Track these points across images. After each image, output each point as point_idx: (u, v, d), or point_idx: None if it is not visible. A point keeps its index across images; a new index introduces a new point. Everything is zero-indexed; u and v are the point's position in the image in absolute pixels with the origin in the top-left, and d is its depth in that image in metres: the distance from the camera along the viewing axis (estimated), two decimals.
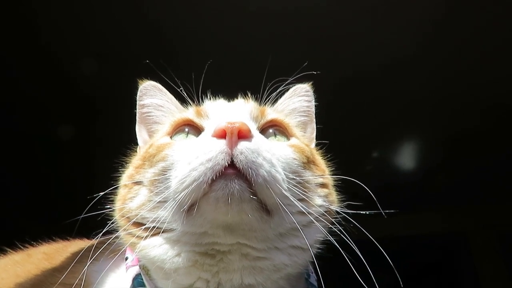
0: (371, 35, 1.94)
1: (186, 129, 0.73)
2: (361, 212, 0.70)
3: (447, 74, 2.18)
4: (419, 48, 2.00)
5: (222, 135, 0.60)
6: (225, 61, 1.67)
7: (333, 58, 1.95)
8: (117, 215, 0.71)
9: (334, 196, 0.74)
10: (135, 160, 0.76)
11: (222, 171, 0.58)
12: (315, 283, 0.76)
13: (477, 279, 3.02)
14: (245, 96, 0.78)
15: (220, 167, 0.58)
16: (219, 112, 0.73)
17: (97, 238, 0.82)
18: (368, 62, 2.06)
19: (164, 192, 0.64)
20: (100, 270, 0.73)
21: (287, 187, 0.63)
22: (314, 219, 0.66)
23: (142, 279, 0.70)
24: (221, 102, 0.77)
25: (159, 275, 0.65)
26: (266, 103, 0.80)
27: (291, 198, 0.62)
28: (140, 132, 0.84)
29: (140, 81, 0.84)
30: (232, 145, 0.59)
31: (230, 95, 0.81)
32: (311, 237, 0.67)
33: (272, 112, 0.77)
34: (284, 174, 0.64)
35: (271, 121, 0.74)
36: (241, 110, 0.73)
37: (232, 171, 0.58)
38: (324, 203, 0.70)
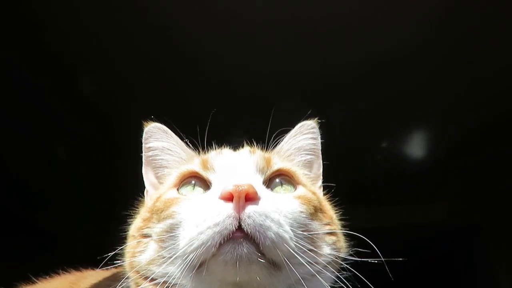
0: (377, 23, 1.90)
1: (193, 182, 0.73)
2: (369, 260, 0.70)
3: (457, 61, 2.13)
4: (429, 34, 1.96)
5: (229, 198, 0.60)
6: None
7: (339, 48, 1.94)
8: (127, 267, 0.72)
9: (342, 242, 0.75)
10: (143, 212, 0.76)
11: (230, 236, 0.59)
12: None
13: (490, 269, 3.02)
14: (251, 144, 0.78)
15: (228, 232, 0.59)
16: (225, 165, 0.73)
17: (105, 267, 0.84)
18: (375, 50, 2.03)
19: (173, 249, 0.65)
20: None
21: (295, 241, 0.63)
22: (322, 267, 0.67)
23: None
24: (226, 153, 0.77)
25: None
26: (272, 144, 0.80)
27: (299, 256, 0.62)
28: (147, 175, 0.84)
29: (145, 123, 0.84)
30: (239, 210, 0.60)
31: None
32: (321, 284, 0.67)
33: (278, 161, 0.77)
34: (292, 230, 0.64)
35: (278, 170, 0.74)
36: (246, 163, 0.73)
37: (240, 234, 0.59)
38: (332, 252, 0.71)
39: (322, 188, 0.86)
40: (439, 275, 3.40)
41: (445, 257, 3.42)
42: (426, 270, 3.45)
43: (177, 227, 0.66)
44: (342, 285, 0.67)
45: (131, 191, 0.86)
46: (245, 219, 0.59)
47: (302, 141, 0.85)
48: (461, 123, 2.60)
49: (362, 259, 0.70)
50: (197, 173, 0.73)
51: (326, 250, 0.70)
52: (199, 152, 0.82)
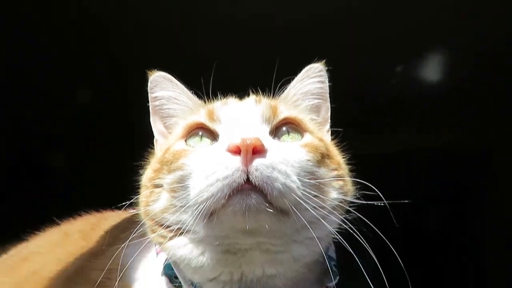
0: None
1: (200, 133, 0.74)
2: (376, 203, 0.72)
3: None
4: None
5: (236, 151, 0.62)
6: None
7: None
8: (142, 215, 0.75)
9: (349, 185, 0.76)
10: (154, 163, 0.78)
11: (238, 188, 0.61)
12: (334, 255, 0.80)
13: (503, 197, 3.05)
14: (256, 93, 0.77)
15: (236, 184, 0.61)
16: (231, 117, 0.73)
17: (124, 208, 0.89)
18: None
19: (184, 198, 0.67)
20: (132, 253, 0.78)
21: (302, 190, 0.65)
22: (328, 211, 0.69)
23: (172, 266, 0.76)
24: (232, 104, 0.77)
25: (187, 270, 0.71)
26: (278, 91, 0.79)
27: (306, 204, 0.64)
28: (155, 124, 0.85)
29: (149, 72, 0.84)
30: (247, 163, 0.61)
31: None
32: (327, 228, 0.70)
33: (284, 109, 0.76)
34: (299, 179, 0.65)
35: (284, 119, 0.75)
36: (252, 114, 0.73)
37: (248, 186, 0.61)
38: (339, 196, 0.73)
39: (330, 132, 0.86)
40: (452, 199, 3.45)
41: (459, 181, 3.45)
42: (439, 194, 3.50)
43: (187, 179, 0.68)
44: (348, 228, 0.69)
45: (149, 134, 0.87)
46: (252, 171, 0.61)
47: (309, 85, 0.84)
48: (477, 48, 2.51)
49: (368, 202, 0.72)
50: (203, 124, 0.74)
51: (333, 194, 0.72)
52: (205, 101, 0.82)
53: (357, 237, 0.68)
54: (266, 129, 0.72)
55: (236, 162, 0.61)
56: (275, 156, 0.64)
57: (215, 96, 0.80)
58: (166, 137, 0.84)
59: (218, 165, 0.62)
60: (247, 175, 0.61)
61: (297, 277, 0.72)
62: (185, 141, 0.75)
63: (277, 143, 0.71)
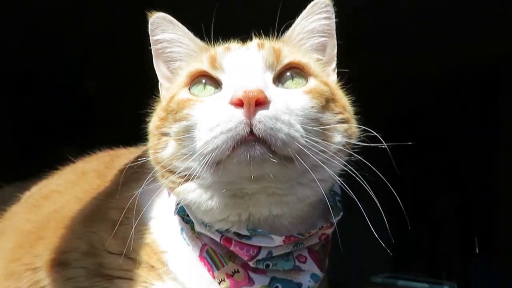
0: None
1: (203, 80, 0.74)
2: (379, 145, 0.73)
3: None
4: None
5: (239, 104, 0.62)
6: None
7: None
8: (152, 161, 0.78)
9: (353, 128, 0.77)
10: (159, 110, 0.79)
11: (242, 140, 0.62)
12: (339, 190, 0.84)
13: None
14: (259, 36, 0.75)
15: (240, 137, 0.62)
16: (233, 65, 0.72)
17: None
18: None
19: (191, 147, 0.69)
20: (146, 193, 0.82)
21: (306, 137, 0.66)
22: (332, 155, 0.71)
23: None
24: (234, 50, 0.75)
25: (198, 212, 0.75)
26: (283, 31, 0.77)
27: (310, 151, 0.66)
28: (158, 67, 0.85)
29: (149, 14, 0.81)
30: (250, 115, 0.62)
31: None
32: (331, 170, 0.72)
33: (288, 53, 0.75)
34: (302, 126, 0.66)
35: (288, 64, 0.74)
36: (255, 61, 0.72)
37: (252, 137, 0.62)
38: (343, 139, 0.74)
39: (336, 71, 0.85)
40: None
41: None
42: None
43: (193, 129, 0.69)
44: (350, 171, 0.71)
45: None
46: (256, 124, 0.62)
47: (315, 23, 0.81)
48: None
49: (372, 145, 0.73)
50: (206, 72, 0.74)
51: (337, 138, 0.73)
52: (207, 43, 0.81)
53: (359, 179, 0.71)
54: (270, 76, 0.72)
55: (239, 115, 0.62)
56: (278, 106, 0.64)
57: (216, 40, 0.78)
58: (170, 81, 0.84)
59: (221, 117, 0.63)
60: (250, 127, 0.62)
61: (302, 215, 0.76)
62: (189, 89, 0.75)
63: (280, 91, 0.71)
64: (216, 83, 0.73)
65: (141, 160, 0.82)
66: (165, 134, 0.74)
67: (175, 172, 0.73)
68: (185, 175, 0.72)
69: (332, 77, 0.84)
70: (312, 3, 0.81)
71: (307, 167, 0.67)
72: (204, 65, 0.74)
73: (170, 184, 0.75)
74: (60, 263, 0.80)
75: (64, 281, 0.79)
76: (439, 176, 3.38)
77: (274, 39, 0.79)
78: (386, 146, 0.72)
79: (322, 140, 0.69)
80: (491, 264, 3.24)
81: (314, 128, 0.68)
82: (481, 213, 3.26)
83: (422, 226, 3.43)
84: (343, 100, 0.79)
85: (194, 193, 0.72)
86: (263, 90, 0.63)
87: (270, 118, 0.62)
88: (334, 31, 0.83)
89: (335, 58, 0.85)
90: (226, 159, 0.65)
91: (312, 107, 0.69)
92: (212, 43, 0.80)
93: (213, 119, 0.65)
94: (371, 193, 0.69)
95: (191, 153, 0.69)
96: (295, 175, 0.69)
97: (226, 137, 0.62)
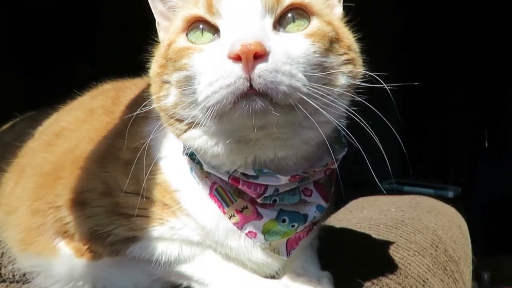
0: None
1: (201, 26, 0.71)
2: (384, 86, 0.72)
3: None
4: None
5: (237, 58, 0.61)
6: None
7: None
8: (156, 108, 0.78)
9: (358, 66, 0.75)
10: (158, 57, 0.77)
11: (243, 94, 0.62)
12: (344, 126, 0.84)
13: None
14: None
15: (240, 91, 0.62)
16: (230, 10, 0.69)
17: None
18: None
19: (193, 96, 0.69)
20: (153, 130, 0.83)
21: (309, 85, 0.66)
22: (335, 97, 0.71)
23: None
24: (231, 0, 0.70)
25: (205, 157, 0.77)
26: None
27: (313, 98, 0.66)
28: (154, 4, 0.81)
29: None
30: (249, 70, 0.61)
31: None
32: (335, 112, 0.73)
33: None
34: (305, 74, 0.65)
35: (289, 6, 0.70)
36: (253, 5, 0.68)
37: (253, 91, 0.62)
38: (347, 81, 0.73)
39: (342, 1, 0.80)
40: None
41: None
42: None
43: (193, 80, 0.68)
44: (353, 111, 0.71)
45: None
46: (255, 78, 0.61)
47: None
48: None
49: (376, 86, 0.72)
50: (202, 18, 0.71)
51: (341, 80, 0.72)
52: None
53: (362, 124, 0.71)
54: (269, 20, 0.69)
55: (238, 69, 0.61)
56: (278, 57, 0.63)
57: None
58: (168, 19, 0.81)
59: (220, 72, 0.63)
60: (250, 82, 0.61)
61: (307, 155, 0.78)
62: (187, 35, 0.72)
63: (280, 38, 0.68)
64: (214, 29, 0.71)
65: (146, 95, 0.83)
66: (166, 82, 0.74)
67: (179, 119, 0.74)
68: (189, 122, 0.72)
69: (337, 9, 0.80)
70: None
71: (309, 113, 0.67)
72: (200, 10, 0.71)
73: (175, 131, 0.76)
74: (79, 202, 0.85)
75: (84, 219, 0.84)
76: (452, 69, 3.34)
77: None
78: (388, 88, 0.70)
79: (325, 84, 0.68)
80: (500, 161, 3.32)
81: (316, 74, 0.67)
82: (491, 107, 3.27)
83: (433, 122, 3.47)
84: (348, 39, 0.75)
85: (199, 139, 0.73)
86: (262, 42, 0.61)
87: (269, 72, 0.61)
88: None
89: None
90: (228, 112, 0.65)
91: (314, 52, 0.67)
92: None
93: (212, 74, 0.64)
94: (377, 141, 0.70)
95: (193, 103, 0.69)
96: (298, 120, 0.70)
97: (226, 92, 0.62)
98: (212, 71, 0.64)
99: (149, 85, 0.94)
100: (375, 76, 0.73)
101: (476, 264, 2.78)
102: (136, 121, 0.88)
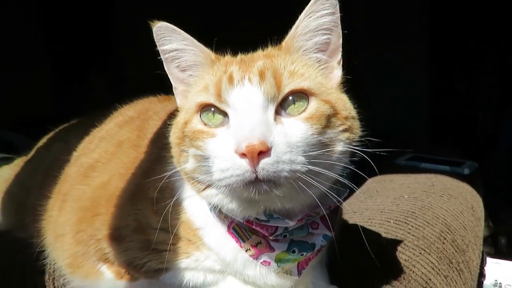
0: None
1: (212, 109, 0.81)
2: (379, 151, 0.79)
3: None
4: None
5: (244, 155, 0.71)
6: None
7: None
8: (177, 167, 0.88)
9: (355, 131, 0.83)
10: (176, 129, 0.87)
11: (250, 182, 0.73)
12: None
13: None
14: (261, 77, 0.78)
15: (248, 180, 0.73)
16: (237, 102, 0.78)
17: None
18: None
19: (208, 170, 0.79)
20: (178, 173, 0.93)
21: (308, 162, 0.75)
22: (334, 161, 0.80)
23: None
24: (237, 88, 0.79)
25: (222, 209, 0.88)
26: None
27: (312, 172, 0.75)
28: (171, 72, 0.89)
29: (151, 24, 0.83)
30: (254, 165, 0.71)
31: None
32: (334, 170, 0.82)
33: (288, 81, 0.79)
34: (304, 155, 0.75)
35: (289, 93, 0.78)
36: (257, 99, 0.77)
37: (258, 180, 0.73)
38: (344, 148, 0.81)
39: (341, 62, 0.86)
40: None
41: None
42: None
43: (207, 158, 0.78)
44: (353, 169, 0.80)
45: None
46: (260, 171, 0.71)
47: (317, 20, 0.82)
48: None
49: (371, 150, 0.79)
50: (213, 105, 0.80)
51: (339, 148, 0.81)
52: (212, 50, 0.86)
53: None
54: (272, 109, 0.77)
55: (245, 164, 0.71)
56: (279, 149, 0.72)
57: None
58: (184, 84, 0.90)
59: (230, 164, 0.73)
60: (255, 174, 0.72)
61: (311, 203, 0.87)
62: (200, 115, 0.81)
63: (282, 127, 0.76)
64: (224, 113, 0.80)
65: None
66: (185, 151, 0.83)
67: (198, 181, 0.84)
68: (207, 184, 0.82)
69: (337, 72, 0.86)
70: (313, 1, 0.79)
71: (309, 180, 0.76)
72: (211, 98, 0.80)
73: (195, 189, 0.86)
74: (115, 238, 0.99)
75: (121, 252, 0.98)
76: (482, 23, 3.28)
77: (277, 47, 0.81)
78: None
79: (323, 155, 0.77)
80: None
81: (314, 152, 0.76)
82: None
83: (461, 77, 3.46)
84: (345, 109, 0.83)
85: (216, 197, 0.84)
86: (265, 141, 0.71)
87: (271, 164, 0.71)
88: (339, 24, 0.82)
89: (340, 49, 0.85)
90: (238, 191, 0.76)
91: (312, 134, 0.76)
92: (216, 51, 0.86)
93: (224, 163, 0.74)
94: None
95: (209, 171, 0.79)
96: (300, 187, 0.78)
97: (236, 180, 0.73)
98: (224, 160, 0.75)
99: (169, 116, 1.04)
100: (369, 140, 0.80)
101: (494, 230, 2.87)
102: (161, 160, 0.99)
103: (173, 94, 0.94)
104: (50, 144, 1.44)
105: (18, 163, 1.53)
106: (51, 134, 1.54)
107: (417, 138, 3.53)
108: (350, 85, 0.89)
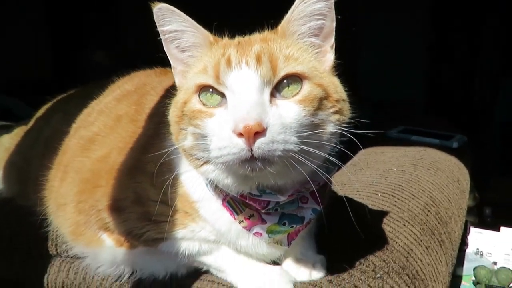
0: None
1: (210, 90, 0.85)
2: (366, 132, 0.84)
3: None
4: None
5: (241, 135, 0.75)
6: None
7: None
8: (175, 143, 0.92)
9: (345, 113, 0.88)
10: (175, 108, 0.90)
11: (246, 160, 0.78)
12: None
13: None
14: (258, 61, 0.82)
15: (243, 158, 0.78)
16: (235, 84, 0.82)
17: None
18: None
19: (206, 147, 0.84)
20: (176, 150, 0.97)
21: (301, 142, 0.80)
22: (325, 141, 0.85)
23: None
24: (235, 71, 0.82)
25: (218, 184, 0.93)
26: None
27: (304, 151, 0.80)
28: (170, 52, 0.92)
29: (152, 4, 0.85)
30: (250, 144, 0.76)
31: None
32: (325, 149, 0.87)
33: (284, 66, 0.82)
34: (297, 135, 0.79)
35: (284, 76, 0.82)
36: (254, 82, 0.81)
37: (254, 158, 0.78)
38: (335, 129, 0.86)
39: (334, 46, 0.89)
40: None
41: None
42: None
43: (205, 136, 0.83)
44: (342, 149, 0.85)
45: None
46: (255, 150, 0.76)
47: (312, 6, 0.84)
48: None
49: (362, 131, 0.84)
50: (212, 86, 0.84)
51: (329, 128, 0.85)
52: (211, 32, 0.89)
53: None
54: (267, 92, 0.81)
55: (241, 143, 0.76)
56: (274, 129, 0.76)
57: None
58: (183, 64, 0.93)
59: (227, 142, 0.77)
60: (251, 152, 0.76)
61: (302, 180, 0.92)
62: (199, 96, 0.85)
63: (276, 109, 0.81)
64: (222, 94, 0.84)
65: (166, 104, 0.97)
66: (183, 129, 0.88)
67: (196, 157, 0.88)
68: (206, 160, 0.87)
69: (329, 55, 0.90)
70: None
71: (301, 158, 0.81)
72: (209, 79, 0.83)
73: (193, 165, 0.91)
74: (115, 209, 1.04)
75: (121, 222, 1.04)
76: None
77: (272, 32, 0.87)
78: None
79: (314, 136, 0.82)
80: None
81: (306, 132, 0.81)
82: None
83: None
84: (336, 92, 0.87)
85: (213, 173, 0.89)
86: (261, 121, 0.75)
87: (267, 144, 0.76)
88: (333, 9, 0.85)
89: (333, 33, 0.88)
90: (234, 168, 0.81)
91: (305, 115, 0.81)
92: (215, 33, 0.90)
93: (221, 141, 0.79)
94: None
95: (206, 149, 0.84)
96: (291, 165, 0.83)
97: (233, 158, 0.78)
98: (221, 139, 0.79)
99: (166, 90, 1.08)
100: (358, 121, 0.84)
101: (479, 200, 2.97)
102: (159, 135, 1.04)
103: (169, 67, 0.97)
104: (50, 115, 1.47)
105: (18, 132, 1.57)
106: (50, 105, 1.57)
107: (413, 106, 3.57)
108: (342, 68, 0.93)
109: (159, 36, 0.90)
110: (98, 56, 3.57)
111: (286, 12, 0.87)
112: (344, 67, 0.93)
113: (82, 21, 3.47)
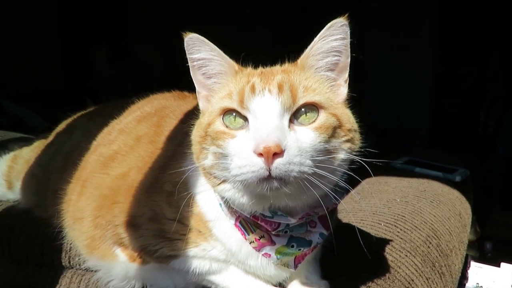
0: None
1: (234, 113, 0.91)
2: (375, 161, 0.90)
3: None
4: None
5: (261, 155, 0.82)
6: None
7: None
8: (196, 163, 0.98)
9: (356, 142, 0.94)
10: (199, 129, 0.97)
11: (264, 178, 0.84)
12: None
13: None
14: (280, 89, 0.89)
15: (262, 177, 0.84)
16: (258, 109, 0.88)
17: None
18: None
19: (226, 166, 0.90)
20: (192, 170, 1.02)
21: (314, 166, 0.86)
22: (336, 167, 0.91)
23: None
24: (258, 97, 0.89)
25: (233, 203, 0.98)
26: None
27: (317, 175, 0.86)
28: (197, 79, 1.00)
29: (184, 34, 0.94)
30: (269, 164, 0.82)
31: None
32: (336, 175, 0.93)
33: (302, 94, 0.90)
34: (311, 159, 0.86)
35: (302, 105, 0.89)
36: (275, 108, 0.88)
37: (271, 177, 0.84)
38: (346, 156, 0.92)
39: (347, 81, 0.97)
40: None
41: None
42: None
43: (226, 156, 0.89)
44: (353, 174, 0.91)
45: None
46: (273, 169, 0.82)
47: (330, 43, 0.93)
48: None
49: (369, 160, 0.90)
50: (235, 110, 0.91)
51: (341, 156, 0.92)
52: (236, 61, 0.98)
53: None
54: (287, 117, 0.88)
55: (261, 162, 0.82)
56: (291, 152, 0.83)
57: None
58: (208, 89, 1.00)
59: (247, 161, 0.84)
60: (269, 171, 0.82)
61: (313, 203, 0.96)
62: (222, 118, 0.92)
63: (294, 134, 0.87)
64: (244, 117, 0.91)
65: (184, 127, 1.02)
66: (205, 149, 0.94)
67: (215, 176, 0.94)
68: (223, 180, 0.93)
69: (343, 89, 0.97)
70: (329, 24, 0.91)
71: (314, 181, 0.87)
72: (234, 104, 0.91)
73: (211, 183, 0.97)
74: (132, 225, 1.09)
75: (136, 238, 1.09)
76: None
77: (293, 65, 0.96)
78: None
79: (327, 161, 0.88)
80: None
81: (320, 157, 0.88)
82: None
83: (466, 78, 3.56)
84: (348, 122, 0.94)
85: (229, 192, 0.94)
86: (280, 144, 0.81)
87: (284, 164, 0.82)
88: (348, 47, 0.93)
89: (348, 69, 0.96)
90: (252, 186, 0.87)
91: (320, 142, 0.88)
92: (239, 63, 0.98)
93: (242, 160, 0.85)
94: None
95: (226, 168, 0.90)
96: (305, 187, 0.89)
97: (252, 175, 0.84)
98: (242, 158, 0.85)
99: (185, 114, 1.15)
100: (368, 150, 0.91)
101: (480, 234, 2.99)
102: (176, 156, 1.10)
103: (184, 89, 1.04)
104: (71, 131, 1.53)
105: (38, 145, 1.63)
106: (70, 120, 1.63)
107: (417, 134, 3.62)
108: (354, 102, 1.00)
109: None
110: (110, 68, 3.65)
111: (306, 46, 0.95)
112: (351, 95, 1.01)
113: (95, 35, 3.56)
